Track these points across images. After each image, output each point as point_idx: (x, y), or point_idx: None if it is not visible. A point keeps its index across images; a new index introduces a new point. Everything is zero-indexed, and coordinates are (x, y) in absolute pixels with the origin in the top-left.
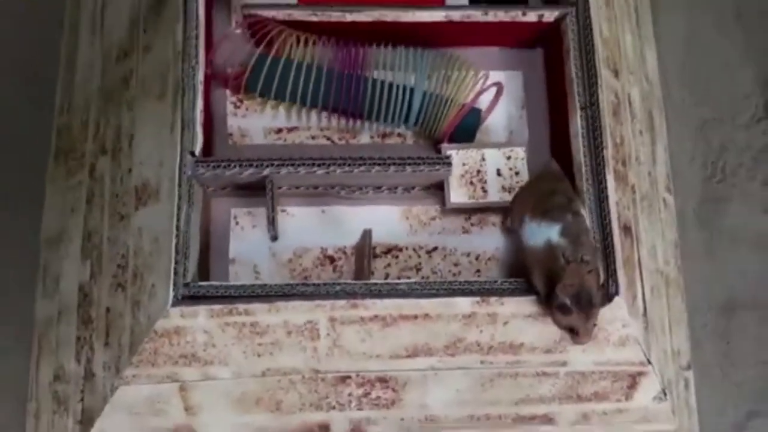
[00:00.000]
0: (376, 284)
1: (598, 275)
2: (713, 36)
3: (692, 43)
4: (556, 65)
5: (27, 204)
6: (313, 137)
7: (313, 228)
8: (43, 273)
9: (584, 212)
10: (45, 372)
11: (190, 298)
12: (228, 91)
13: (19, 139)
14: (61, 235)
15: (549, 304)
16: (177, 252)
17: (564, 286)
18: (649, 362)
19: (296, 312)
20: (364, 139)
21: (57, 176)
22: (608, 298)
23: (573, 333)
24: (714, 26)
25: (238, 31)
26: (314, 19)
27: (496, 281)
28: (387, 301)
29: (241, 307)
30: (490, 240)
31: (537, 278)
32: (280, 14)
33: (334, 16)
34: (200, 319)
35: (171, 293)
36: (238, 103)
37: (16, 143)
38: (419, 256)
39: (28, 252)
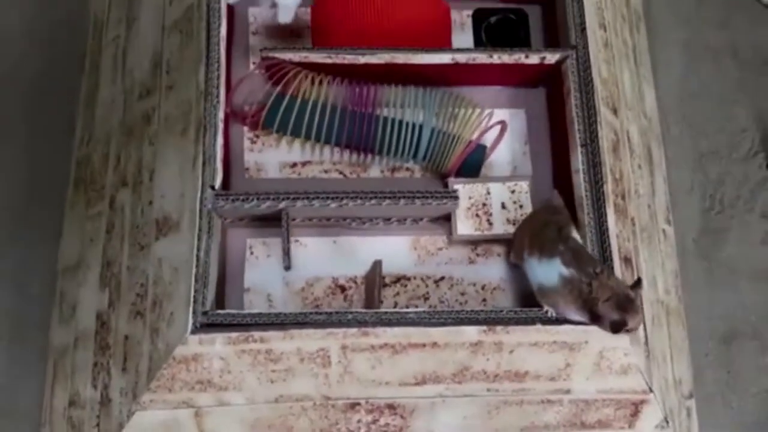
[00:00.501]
0: (386, 313)
1: (613, 272)
2: (710, 72)
3: (689, 78)
4: (558, 104)
5: (44, 232)
6: (326, 171)
7: (325, 258)
8: (59, 300)
9: (575, 234)
10: (60, 398)
11: (208, 325)
12: (246, 128)
13: (37, 168)
14: (79, 264)
15: (601, 327)
16: (197, 281)
17: (604, 304)
18: (651, 390)
19: (309, 339)
20: (375, 173)
21: (76, 206)
22: (637, 283)
23: (629, 330)
24: (711, 63)
25: (257, 71)
26: (329, 61)
27: (501, 310)
28: (396, 330)
29: (257, 334)
30: (495, 270)
31: (574, 313)
32: (297, 57)
33: (348, 58)
34: (217, 346)
35: (190, 321)
36: (255, 139)
37: (34, 171)
38: (427, 286)
39: (45, 280)
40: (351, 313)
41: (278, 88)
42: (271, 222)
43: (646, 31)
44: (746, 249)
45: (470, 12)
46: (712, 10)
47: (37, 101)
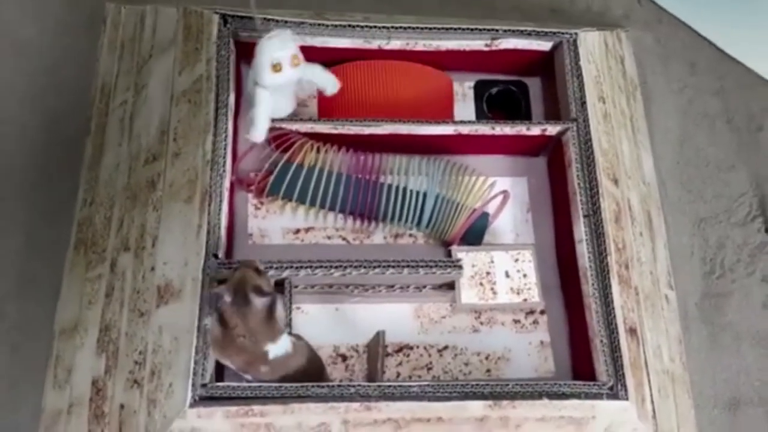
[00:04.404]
0: (389, 386)
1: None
2: (706, 138)
3: (686, 144)
4: (559, 172)
5: (43, 291)
6: (329, 237)
7: (326, 326)
8: (55, 363)
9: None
10: None
11: (208, 398)
12: (250, 195)
13: (39, 226)
14: (77, 327)
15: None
16: (197, 352)
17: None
18: None
19: (310, 414)
20: (378, 239)
21: (76, 267)
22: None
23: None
24: (706, 129)
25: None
26: (334, 131)
27: (507, 384)
28: (400, 404)
29: (257, 408)
30: (499, 340)
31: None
32: (303, 127)
33: (353, 129)
34: (216, 421)
35: (189, 394)
36: (259, 205)
37: (35, 230)
38: (430, 355)
39: (41, 341)
40: (353, 386)
41: (285, 157)
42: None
43: (642, 98)
44: (748, 313)
45: (472, 84)
46: (706, 77)
47: (41, 160)
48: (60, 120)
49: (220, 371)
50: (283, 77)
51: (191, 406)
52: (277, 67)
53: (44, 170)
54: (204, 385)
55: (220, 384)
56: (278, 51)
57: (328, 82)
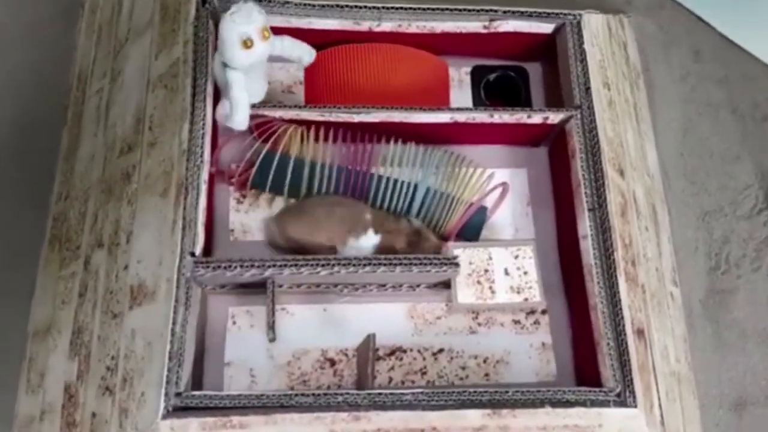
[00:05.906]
0: (380, 394)
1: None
2: (710, 128)
3: (689, 135)
4: (561, 164)
5: (18, 290)
6: None
7: (313, 328)
8: (28, 366)
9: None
10: None
11: (182, 409)
12: (231, 188)
13: (11, 224)
14: (50, 328)
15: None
16: (171, 359)
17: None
18: None
19: (294, 424)
20: None
21: (50, 265)
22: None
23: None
24: (710, 119)
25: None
26: (322, 119)
27: (507, 391)
28: (391, 413)
29: (236, 419)
30: (498, 342)
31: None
32: (288, 114)
33: (342, 116)
34: None
35: (162, 404)
36: (241, 199)
37: (10, 226)
38: (424, 359)
39: (15, 342)
40: (341, 394)
41: (267, 146)
42: (255, 288)
43: (645, 87)
44: (754, 310)
45: (469, 69)
46: (710, 65)
47: (21, 153)
48: (41, 112)
49: (197, 379)
50: (256, 53)
51: (164, 417)
52: (247, 43)
53: (24, 164)
54: (178, 394)
55: (197, 393)
56: (246, 25)
57: (303, 51)
